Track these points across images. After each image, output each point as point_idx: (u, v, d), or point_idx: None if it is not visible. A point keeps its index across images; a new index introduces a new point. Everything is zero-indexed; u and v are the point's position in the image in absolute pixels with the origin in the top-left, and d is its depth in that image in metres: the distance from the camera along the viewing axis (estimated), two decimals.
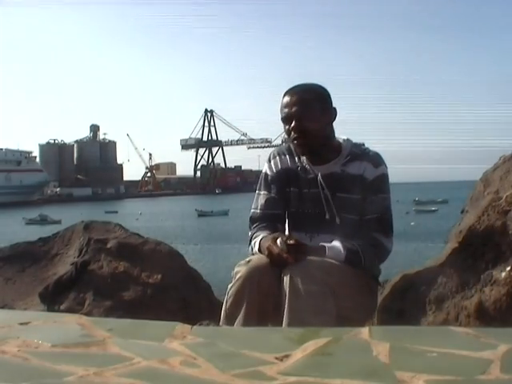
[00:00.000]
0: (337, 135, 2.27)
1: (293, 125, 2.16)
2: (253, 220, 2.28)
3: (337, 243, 2.10)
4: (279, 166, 2.27)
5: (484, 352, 1.25)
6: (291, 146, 2.28)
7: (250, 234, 2.26)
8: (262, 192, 2.29)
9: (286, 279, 1.96)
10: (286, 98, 2.20)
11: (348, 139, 2.27)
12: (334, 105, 2.24)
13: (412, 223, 32.88)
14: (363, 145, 2.29)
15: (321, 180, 2.19)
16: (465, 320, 2.07)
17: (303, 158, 2.24)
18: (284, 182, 2.26)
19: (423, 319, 2.12)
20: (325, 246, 2.10)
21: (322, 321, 1.87)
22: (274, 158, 2.30)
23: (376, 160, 2.21)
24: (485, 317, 2.04)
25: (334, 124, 2.26)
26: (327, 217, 2.18)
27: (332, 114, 2.24)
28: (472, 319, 2.06)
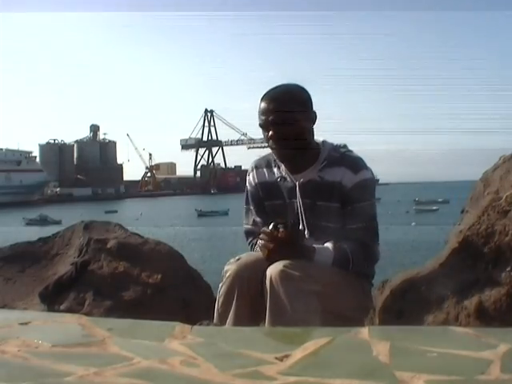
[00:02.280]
0: (316, 137, 2.19)
1: (271, 133, 2.10)
2: (248, 234, 2.31)
3: (329, 245, 2.08)
4: (256, 180, 2.25)
5: (484, 352, 1.25)
6: (270, 156, 2.24)
7: (249, 246, 2.29)
8: (251, 207, 2.29)
9: (268, 280, 1.97)
10: (264, 104, 2.11)
11: (326, 142, 2.19)
12: (314, 108, 2.16)
13: (413, 223, 32.91)
14: (344, 146, 2.18)
15: (298, 189, 2.15)
16: (465, 320, 2.07)
17: (282, 168, 2.20)
18: (261, 196, 2.24)
19: (423, 319, 2.12)
20: (314, 248, 2.07)
21: (305, 321, 1.87)
22: (252, 171, 2.28)
23: (355, 165, 2.10)
24: (485, 317, 2.04)
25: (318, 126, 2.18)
26: (305, 226, 2.14)
27: (312, 118, 2.15)
28: (472, 319, 2.06)
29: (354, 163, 2.11)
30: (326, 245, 2.08)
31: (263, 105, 2.12)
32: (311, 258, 2.04)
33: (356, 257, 2.06)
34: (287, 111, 2.08)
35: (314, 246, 2.08)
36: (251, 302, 2.05)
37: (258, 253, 2.14)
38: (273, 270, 1.97)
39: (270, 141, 2.12)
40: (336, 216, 2.11)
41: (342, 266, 2.06)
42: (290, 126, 2.08)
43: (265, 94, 2.14)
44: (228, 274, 2.08)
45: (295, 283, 1.94)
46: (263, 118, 2.11)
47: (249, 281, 2.05)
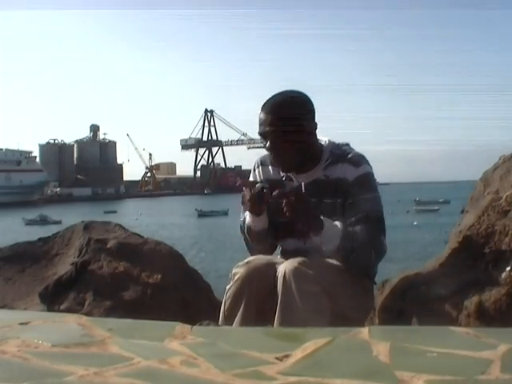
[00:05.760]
0: (319, 137, 2.19)
1: (268, 145, 2.11)
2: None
3: (337, 222, 2.02)
4: (261, 177, 2.25)
5: (484, 352, 1.25)
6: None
7: (244, 241, 2.29)
8: None
9: (280, 279, 1.96)
10: (263, 115, 2.11)
11: (329, 140, 2.20)
12: (316, 112, 2.16)
13: (415, 223, 32.93)
14: (347, 145, 2.20)
15: (304, 189, 2.14)
16: (465, 320, 2.07)
17: None
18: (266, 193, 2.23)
19: (423, 319, 2.12)
20: (322, 220, 1.99)
21: (315, 320, 1.86)
22: (258, 167, 2.28)
23: (356, 160, 2.11)
24: (485, 317, 2.04)
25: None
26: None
27: (312, 125, 2.15)
28: (472, 319, 2.06)
29: (356, 159, 2.12)
30: (335, 222, 2.02)
31: (262, 115, 2.11)
32: (319, 229, 1.99)
33: (361, 239, 2.00)
34: (285, 124, 2.07)
35: (322, 218, 2.01)
36: (259, 305, 2.03)
37: (267, 256, 2.15)
38: (286, 267, 1.95)
39: (269, 151, 2.14)
40: (341, 212, 2.09)
41: (347, 246, 1.99)
42: (287, 139, 2.09)
43: (265, 104, 2.13)
44: (237, 277, 2.06)
45: (308, 282, 1.92)
46: (262, 128, 2.12)
47: (258, 284, 2.03)
